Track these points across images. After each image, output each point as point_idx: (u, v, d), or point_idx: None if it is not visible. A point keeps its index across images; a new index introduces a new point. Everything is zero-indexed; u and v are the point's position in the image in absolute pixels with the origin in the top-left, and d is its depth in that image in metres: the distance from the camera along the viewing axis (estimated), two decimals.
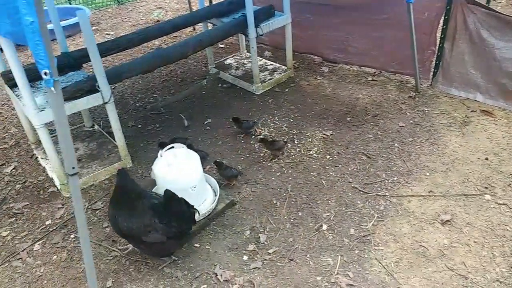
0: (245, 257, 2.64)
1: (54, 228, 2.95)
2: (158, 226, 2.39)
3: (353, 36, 4.58)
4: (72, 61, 3.52)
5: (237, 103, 4.30)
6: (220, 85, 4.66)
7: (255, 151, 3.57)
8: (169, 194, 2.47)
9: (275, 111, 4.10)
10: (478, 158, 3.24)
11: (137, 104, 4.44)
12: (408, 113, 3.86)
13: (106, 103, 3.17)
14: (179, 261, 2.63)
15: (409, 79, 4.37)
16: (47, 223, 3.00)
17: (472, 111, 3.79)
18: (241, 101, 4.34)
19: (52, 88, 1.72)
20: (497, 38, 3.59)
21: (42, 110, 2.90)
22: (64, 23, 5.85)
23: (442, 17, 3.83)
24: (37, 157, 3.65)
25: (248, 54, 5.14)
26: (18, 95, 3.16)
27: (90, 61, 3.86)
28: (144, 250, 2.61)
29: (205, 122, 4.02)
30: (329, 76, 4.64)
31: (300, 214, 2.92)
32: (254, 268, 2.56)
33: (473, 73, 3.84)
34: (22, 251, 2.78)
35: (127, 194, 2.49)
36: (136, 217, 2.41)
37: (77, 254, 2.74)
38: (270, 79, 4.54)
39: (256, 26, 4.00)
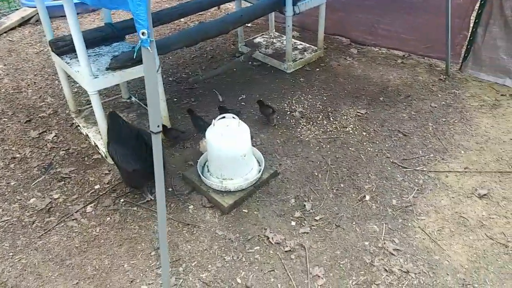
0: (293, 223, 2.76)
1: (104, 192, 3.05)
2: (133, 158, 2.73)
3: (384, 18, 4.65)
4: (116, 32, 3.58)
5: (269, 80, 4.38)
6: (250, 62, 4.72)
7: (291, 126, 3.67)
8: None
9: (308, 89, 4.19)
10: (511, 139, 3.37)
11: (170, 79, 4.50)
12: (439, 95, 3.96)
13: None
14: (230, 225, 2.75)
15: (438, 62, 4.46)
16: (96, 187, 3.09)
17: (501, 95, 3.90)
18: (272, 78, 4.41)
19: (149, 48, 1.79)
20: None
21: (96, 77, 2.97)
22: None
23: (478, 2, 3.90)
24: (77, 126, 3.72)
25: (277, 33, 5.20)
26: (68, 63, 3.23)
27: (133, 32, 3.95)
28: (123, 176, 2.97)
29: (239, 98, 4.10)
30: (358, 58, 4.72)
31: (342, 185, 3.04)
32: (303, 232, 2.69)
33: (504, 59, 3.94)
34: (76, 212, 2.88)
35: (119, 130, 2.82)
36: (120, 148, 2.78)
37: (129, 217, 2.85)
38: (301, 58, 4.62)
39: (294, 4, 4.07)
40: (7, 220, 2.83)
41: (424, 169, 3.13)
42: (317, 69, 4.54)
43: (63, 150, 3.47)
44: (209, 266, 2.50)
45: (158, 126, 1.98)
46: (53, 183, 3.14)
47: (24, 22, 5.97)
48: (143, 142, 2.73)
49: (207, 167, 3.09)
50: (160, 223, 2.10)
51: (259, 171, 3.06)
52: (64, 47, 3.37)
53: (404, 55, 4.67)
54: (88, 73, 2.89)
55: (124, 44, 3.53)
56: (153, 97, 1.93)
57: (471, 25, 4.06)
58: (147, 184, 2.97)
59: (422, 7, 4.28)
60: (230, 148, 2.82)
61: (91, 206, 2.93)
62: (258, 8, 4.02)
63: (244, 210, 2.87)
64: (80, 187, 3.11)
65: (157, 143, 2.04)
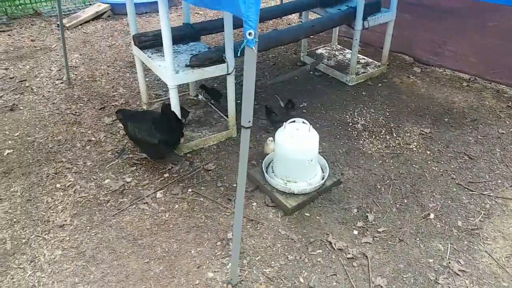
0: (355, 232, 2.79)
1: (172, 181, 3.20)
2: (154, 131, 3.13)
3: (451, 39, 4.62)
4: (193, 32, 3.78)
5: (330, 91, 4.45)
6: (311, 72, 4.82)
7: (353, 137, 3.71)
8: (164, 107, 3.17)
9: (370, 103, 4.22)
10: None
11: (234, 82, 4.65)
12: (507, 122, 3.88)
13: (229, 74, 3.39)
14: (292, 226, 2.82)
15: (506, 89, 4.37)
16: (165, 175, 3.26)
17: None
18: (334, 89, 4.48)
19: (253, 48, 1.91)
20: None
21: (177, 73, 3.15)
22: None
23: None
24: None
25: (339, 46, 5.27)
26: (150, 57, 3.44)
27: (209, 33, 4.15)
28: (145, 150, 3.36)
29: (301, 106, 4.20)
30: (422, 77, 4.71)
31: (405, 201, 3.04)
32: (365, 242, 2.71)
33: None
34: (147, 196, 3.04)
35: (134, 113, 3.41)
36: (140, 125, 3.20)
37: (196, 207, 2.98)
38: (364, 72, 4.66)
39: (364, 19, 4.13)
40: (84, 196, 3.04)
41: (491, 194, 3.08)
42: (379, 85, 4.56)
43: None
44: (272, 262, 2.57)
45: (249, 122, 2.10)
46: (126, 168, 3.33)
47: (97, 17, 6.38)
48: (166, 117, 3.17)
49: (272, 167, 3.18)
50: (237, 217, 2.20)
51: (323, 178, 3.12)
52: (146, 42, 3.61)
53: (469, 78, 4.61)
54: (171, 68, 3.08)
55: (200, 44, 3.72)
56: (248, 94, 2.04)
57: None
58: (169, 154, 3.40)
59: (494, 30, 4.23)
60: (299, 152, 2.90)
61: (161, 193, 3.09)
62: (329, 20, 4.11)
63: (306, 214, 2.93)
64: (150, 173, 3.28)
65: (245, 137, 2.15)
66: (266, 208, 2.98)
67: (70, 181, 3.17)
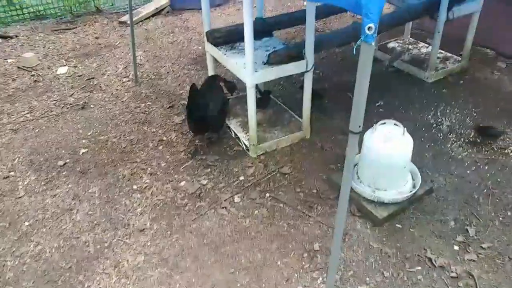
0: (456, 247, 2.52)
1: (249, 184, 3.07)
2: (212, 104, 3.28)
3: None
4: (267, 27, 3.61)
5: (407, 88, 4.14)
6: (384, 69, 4.52)
7: (439, 140, 3.41)
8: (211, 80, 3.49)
9: (453, 102, 3.87)
10: None
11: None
12: None
13: (308, 71, 3.19)
14: (384, 238, 2.60)
15: None
16: (240, 178, 3.13)
17: None
18: (411, 87, 4.16)
19: (373, 44, 1.71)
20: None
21: (256, 71, 2.99)
22: None
23: None
24: None
25: (412, 39, 4.92)
26: (225, 54, 3.31)
27: (281, 28, 3.97)
28: (207, 122, 3.31)
29: (377, 104, 3.93)
30: (508, 73, 4.27)
31: (509, 213, 2.73)
32: (469, 259, 2.44)
33: None
34: (224, 201, 2.93)
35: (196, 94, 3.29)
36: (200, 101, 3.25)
37: (277, 213, 2.82)
38: (443, 67, 4.30)
39: (448, 9, 3.78)
40: (162, 199, 2.97)
41: None
42: (461, 81, 4.19)
43: (205, 138, 3.59)
44: (367, 279, 2.37)
45: (359, 126, 1.90)
46: (200, 169, 3.23)
47: (157, 13, 6.37)
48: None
49: (356, 173, 2.96)
50: (336, 239, 2.02)
51: (413, 186, 2.86)
52: (219, 38, 3.48)
53: None
54: (251, 66, 2.92)
55: (274, 40, 3.54)
56: (361, 96, 1.84)
57: None
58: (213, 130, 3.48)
59: None
60: (393, 157, 2.66)
61: (238, 197, 2.96)
62: (412, 10, 3.79)
63: (397, 225, 2.69)
64: (225, 176, 3.16)
65: (353, 144, 1.96)
66: (352, 217, 2.77)
67: (146, 182, 3.12)
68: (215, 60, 3.63)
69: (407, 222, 2.71)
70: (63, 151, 3.49)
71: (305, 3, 4.75)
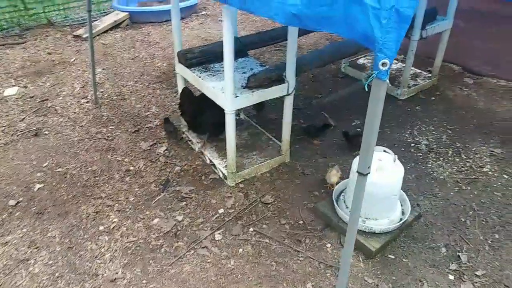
0: (451, 277, 2.43)
1: (229, 218, 2.83)
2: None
3: (508, 48, 4.28)
4: (241, 47, 3.40)
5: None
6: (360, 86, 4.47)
7: (419, 160, 3.36)
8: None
9: (427, 120, 3.87)
10: None
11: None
12: None
13: (288, 94, 3.03)
14: (378, 272, 2.46)
15: None
16: (220, 211, 2.88)
17: None
18: (385, 104, 4.02)
19: (387, 81, 1.55)
20: None
21: (236, 96, 2.78)
22: (181, 4, 5.82)
23: None
24: (188, 140, 3.56)
25: None
26: (200, 76, 3.06)
27: (256, 48, 3.78)
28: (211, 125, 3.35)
29: (353, 124, 3.84)
30: (476, 89, 4.37)
31: (497, 236, 2.69)
32: None
33: None
34: (205, 239, 2.67)
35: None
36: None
37: (263, 250, 2.61)
38: (415, 84, 4.32)
39: (422, 28, 3.79)
40: (133, 241, 2.65)
41: None
42: (433, 98, 4.22)
43: (177, 166, 3.30)
44: None
45: (369, 167, 1.75)
46: (174, 203, 2.95)
47: (115, 26, 5.98)
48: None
49: (344, 201, 2.82)
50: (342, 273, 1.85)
51: (402, 212, 2.76)
52: (192, 59, 3.23)
53: None
54: (231, 91, 2.70)
55: (250, 60, 3.35)
56: (371, 136, 1.69)
57: None
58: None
59: None
60: (385, 186, 2.54)
61: (219, 233, 2.71)
62: None
63: (390, 256, 2.57)
64: (203, 209, 2.91)
65: (361, 187, 1.82)
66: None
67: (114, 222, 2.79)
68: (186, 81, 3.38)
69: (399, 251, 2.59)
70: (15, 188, 3.07)
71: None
